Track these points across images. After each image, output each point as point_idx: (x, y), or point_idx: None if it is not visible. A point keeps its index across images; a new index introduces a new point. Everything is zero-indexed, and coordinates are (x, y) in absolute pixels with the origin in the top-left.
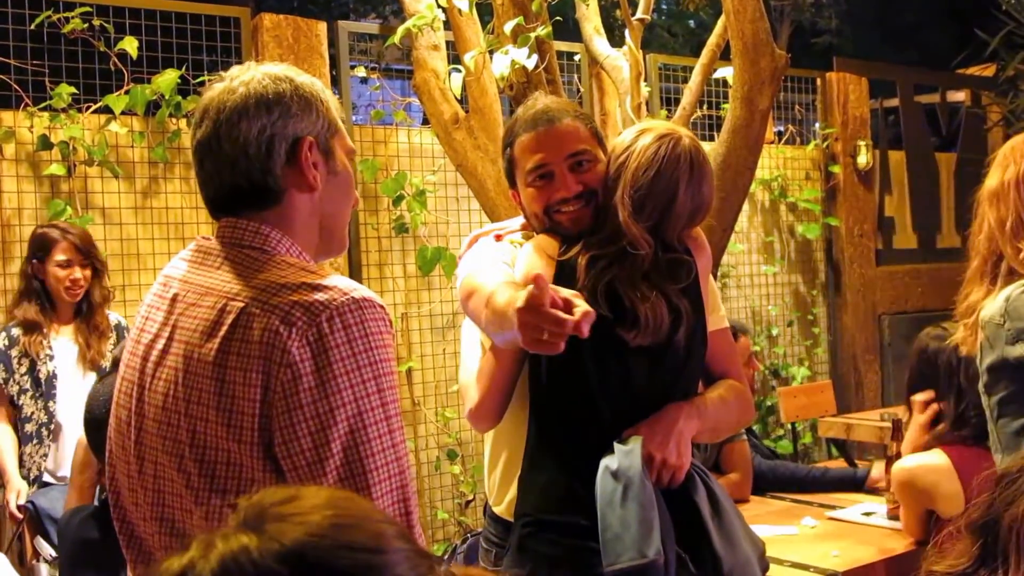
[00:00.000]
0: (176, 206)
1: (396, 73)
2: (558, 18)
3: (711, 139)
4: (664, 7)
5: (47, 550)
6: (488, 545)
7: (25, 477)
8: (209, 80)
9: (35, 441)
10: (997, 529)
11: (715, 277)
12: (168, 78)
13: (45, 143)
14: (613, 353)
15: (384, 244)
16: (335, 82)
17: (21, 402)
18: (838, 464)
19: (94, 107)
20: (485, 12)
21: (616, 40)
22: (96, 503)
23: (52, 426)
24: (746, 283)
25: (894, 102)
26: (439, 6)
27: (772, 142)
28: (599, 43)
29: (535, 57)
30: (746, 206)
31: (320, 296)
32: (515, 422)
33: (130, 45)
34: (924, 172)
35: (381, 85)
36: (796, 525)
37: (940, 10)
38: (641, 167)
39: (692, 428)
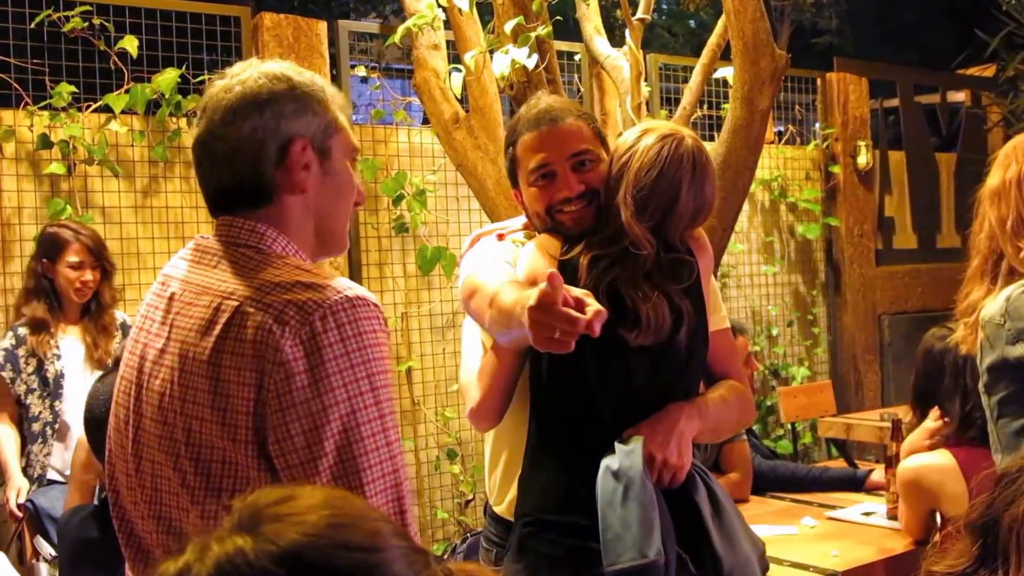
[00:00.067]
0: (176, 205)
1: (396, 72)
2: (558, 18)
3: (711, 139)
4: (664, 7)
5: (47, 549)
6: (488, 545)
7: (30, 476)
8: (209, 79)
9: (40, 440)
10: (997, 529)
11: (715, 277)
12: (168, 77)
13: (45, 142)
14: (614, 353)
15: (384, 244)
16: (335, 81)
17: (28, 401)
18: (838, 464)
19: (94, 106)
20: (485, 11)
21: (616, 40)
22: (96, 502)
23: (58, 425)
24: (746, 283)
25: (894, 102)
26: (439, 5)
27: (772, 142)
28: (599, 43)
29: (535, 57)
30: (746, 206)
31: (313, 295)
32: (516, 422)
33: (130, 44)
34: (924, 172)
35: (381, 84)
36: (796, 525)
37: (940, 10)
38: (644, 167)
39: (693, 428)
